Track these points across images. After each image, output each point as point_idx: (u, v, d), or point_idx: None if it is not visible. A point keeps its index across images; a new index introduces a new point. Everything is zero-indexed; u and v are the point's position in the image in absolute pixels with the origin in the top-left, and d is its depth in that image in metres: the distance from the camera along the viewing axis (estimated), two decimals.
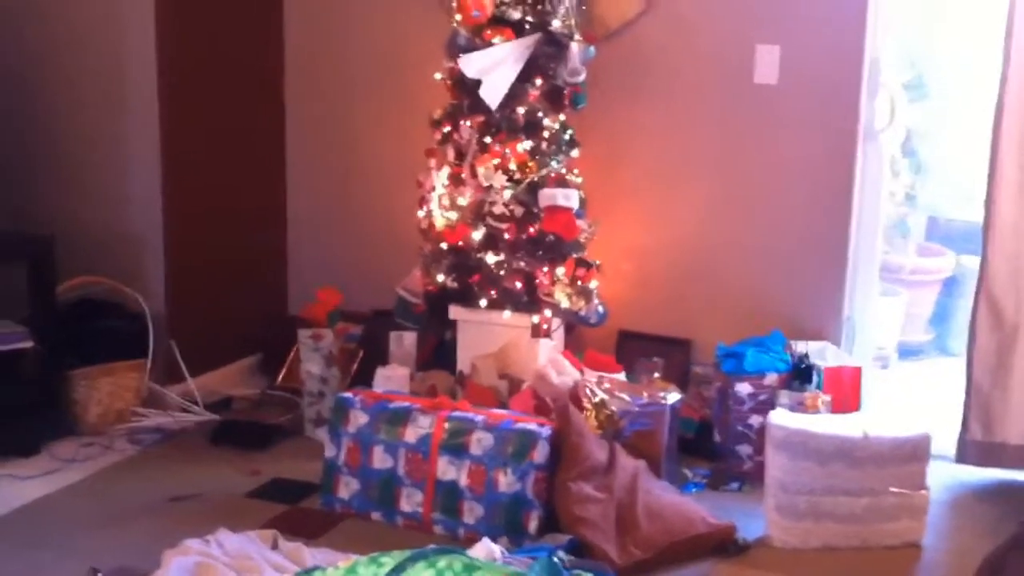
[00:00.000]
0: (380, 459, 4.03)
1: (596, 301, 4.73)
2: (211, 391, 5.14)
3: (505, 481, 3.87)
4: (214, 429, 4.82)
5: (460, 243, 4.72)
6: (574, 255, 4.69)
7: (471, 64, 4.60)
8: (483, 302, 4.71)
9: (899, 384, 5.69)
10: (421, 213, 4.85)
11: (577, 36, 4.70)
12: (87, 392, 4.75)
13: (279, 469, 4.45)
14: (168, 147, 4.96)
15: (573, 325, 4.90)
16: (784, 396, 4.36)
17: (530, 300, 4.67)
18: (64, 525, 3.96)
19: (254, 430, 4.79)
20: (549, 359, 4.58)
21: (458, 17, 4.67)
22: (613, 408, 4.28)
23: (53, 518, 4.02)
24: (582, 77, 4.72)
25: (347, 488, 4.07)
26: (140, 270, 5.02)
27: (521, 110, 4.66)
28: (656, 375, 4.60)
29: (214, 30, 5.18)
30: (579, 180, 4.81)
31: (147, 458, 4.59)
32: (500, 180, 4.64)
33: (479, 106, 4.64)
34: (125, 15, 4.92)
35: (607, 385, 4.40)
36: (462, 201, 4.71)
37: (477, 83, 4.59)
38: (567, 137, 4.78)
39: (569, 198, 4.66)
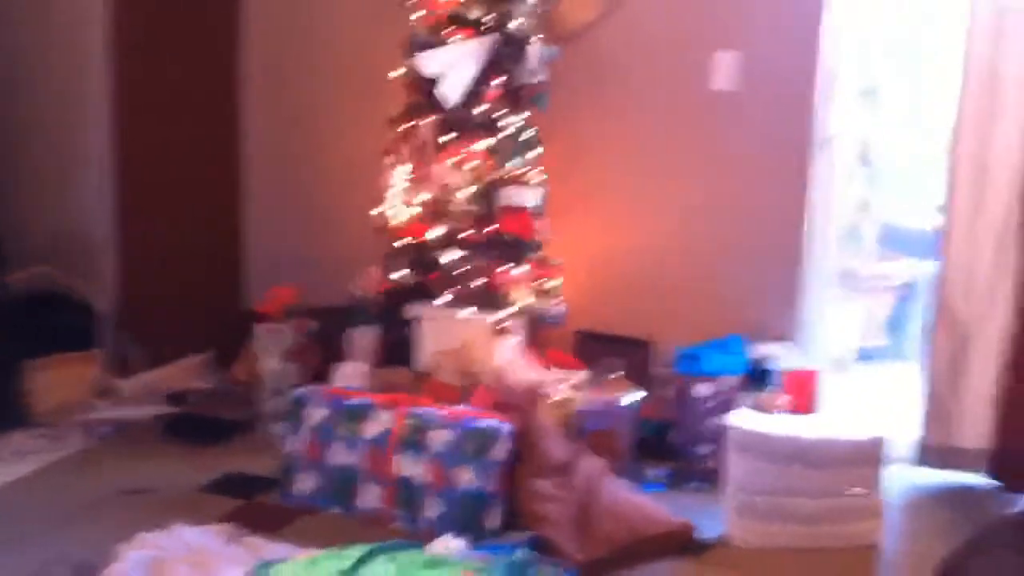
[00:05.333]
0: (339, 454, 4.00)
1: (556, 300, 4.74)
2: (167, 385, 5.10)
3: (465, 478, 3.85)
4: (169, 423, 4.77)
5: (418, 240, 4.71)
6: (534, 254, 4.69)
7: (428, 62, 4.59)
8: (442, 299, 4.69)
9: (856, 388, 5.72)
10: (379, 210, 4.83)
11: (536, 37, 4.70)
12: (41, 384, 4.70)
13: (234, 463, 4.41)
14: (121, 142, 4.93)
15: (534, 324, 4.90)
16: (743, 398, 4.38)
17: (490, 298, 4.66)
18: (17, 518, 3.89)
19: (210, 424, 4.74)
20: (509, 357, 4.58)
21: (419, 14, 4.67)
22: (573, 407, 4.28)
23: (6, 511, 3.96)
24: (541, 77, 4.72)
25: (306, 483, 4.04)
26: (93, 264, 4.97)
27: (480, 109, 4.65)
28: (616, 375, 4.60)
29: (171, 25, 5.15)
30: (539, 180, 4.81)
31: (100, 451, 4.53)
32: (458, 178, 4.63)
33: (437, 104, 4.63)
34: (82, 12, 4.87)
35: (567, 384, 4.40)
36: (420, 198, 4.69)
37: (435, 81, 4.58)
38: (526, 137, 4.77)
39: (527, 198, 4.65)
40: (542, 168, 4.86)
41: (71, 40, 4.90)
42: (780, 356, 4.63)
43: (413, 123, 4.76)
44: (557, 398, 4.31)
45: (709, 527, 3.97)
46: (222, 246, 5.62)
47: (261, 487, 4.20)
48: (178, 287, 5.26)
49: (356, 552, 3.18)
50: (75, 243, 4.98)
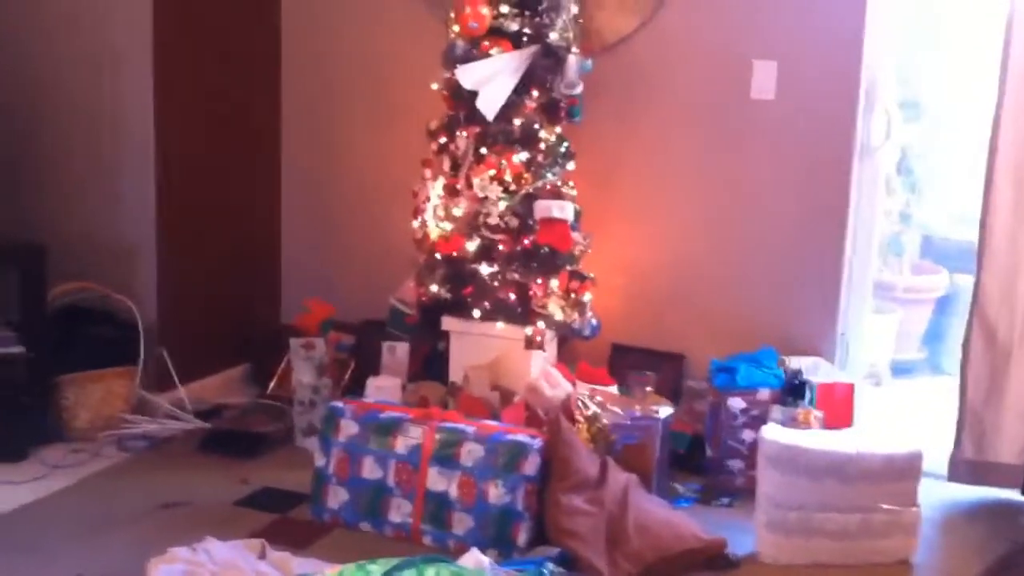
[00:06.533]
0: (370, 469, 4.01)
1: (589, 314, 4.72)
2: (201, 399, 5.12)
3: (495, 493, 3.84)
4: (203, 437, 4.79)
5: (454, 254, 4.71)
6: (568, 267, 4.68)
7: (468, 75, 4.59)
8: (476, 313, 4.69)
9: (891, 402, 5.68)
10: (416, 223, 4.83)
11: (574, 49, 4.69)
12: (76, 398, 4.73)
13: (268, 478, 4.43)
14: (162, 155, 4.95)
15: (566, 338, 4.88)
16: (777, 412, 4.34)
17: (523, 312, 4.65)
18: (51, 531, 3.93)
19: (244, 439, 4.74)
20: (542, 371, 4.57)
21: (456, 28, 4.67)
22: (605, 421, 4.27)
23: (40, 524, 3.99)
24: (578, 90, 4.71)
25: (336, 498, 4.04)
26: (132, 277, 4.99)
27: (517, 121, 4.65)
28: (648, 389, 4.58)
29: (210, 39, 5.17)
30: (574, 193, 4.79)
31: (136, 465, 4.56)
32: (495, 191, 4.63)
33: (475, 117, 4.63)
34: (120, 23, 4.91)
35: (599, 398, 4.39)
36: (457, 212, 4.69)
37: (474, 94, 4.58)
38: (563, 149, 4.76)
39: (564, 210, 4.64)
40: (577, 180, 4.84)
41: (111, 51, 4.92)
42: (815, 369, 4.59)
43: (450, 136, 4.76)
44: (589, 412, 4.29)
45: (740, 543, 3.95)
46: (259, 260, 5.63)
47: (293, 502, 4.21)
48: (215, 301, 5.28)
49: (381, 566, 3.18)
50: (115, 257, 5.00)
